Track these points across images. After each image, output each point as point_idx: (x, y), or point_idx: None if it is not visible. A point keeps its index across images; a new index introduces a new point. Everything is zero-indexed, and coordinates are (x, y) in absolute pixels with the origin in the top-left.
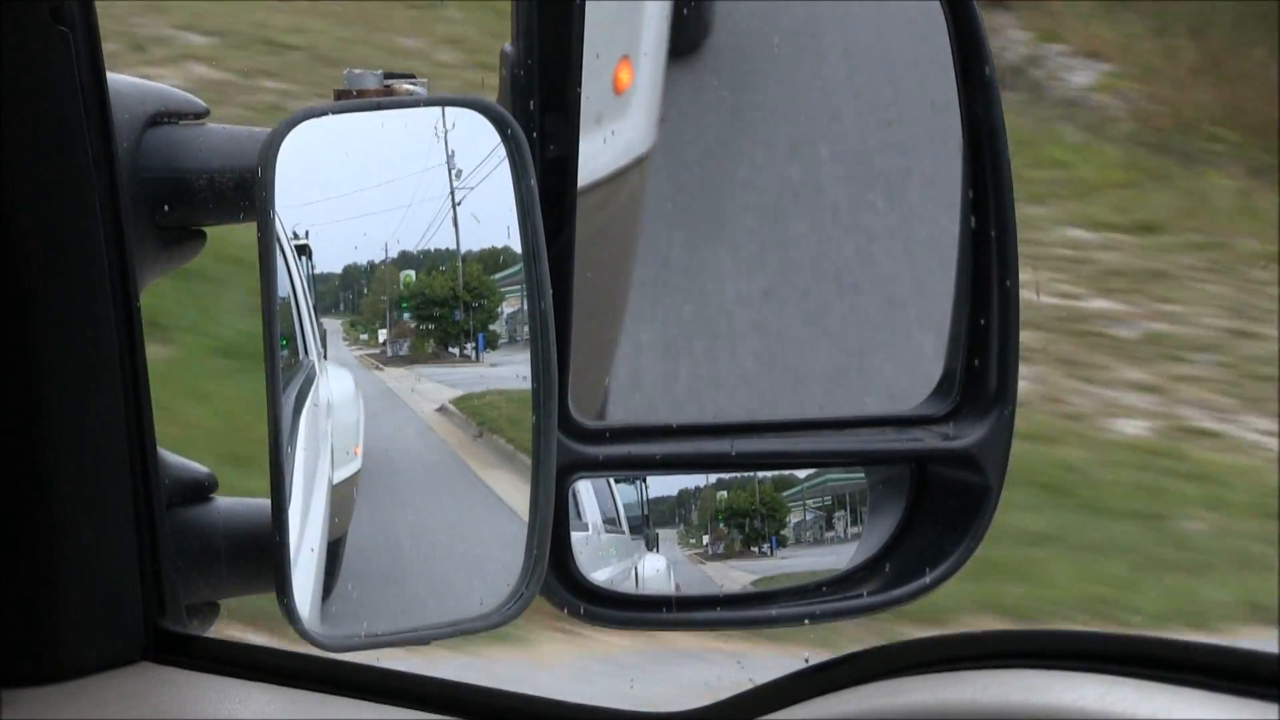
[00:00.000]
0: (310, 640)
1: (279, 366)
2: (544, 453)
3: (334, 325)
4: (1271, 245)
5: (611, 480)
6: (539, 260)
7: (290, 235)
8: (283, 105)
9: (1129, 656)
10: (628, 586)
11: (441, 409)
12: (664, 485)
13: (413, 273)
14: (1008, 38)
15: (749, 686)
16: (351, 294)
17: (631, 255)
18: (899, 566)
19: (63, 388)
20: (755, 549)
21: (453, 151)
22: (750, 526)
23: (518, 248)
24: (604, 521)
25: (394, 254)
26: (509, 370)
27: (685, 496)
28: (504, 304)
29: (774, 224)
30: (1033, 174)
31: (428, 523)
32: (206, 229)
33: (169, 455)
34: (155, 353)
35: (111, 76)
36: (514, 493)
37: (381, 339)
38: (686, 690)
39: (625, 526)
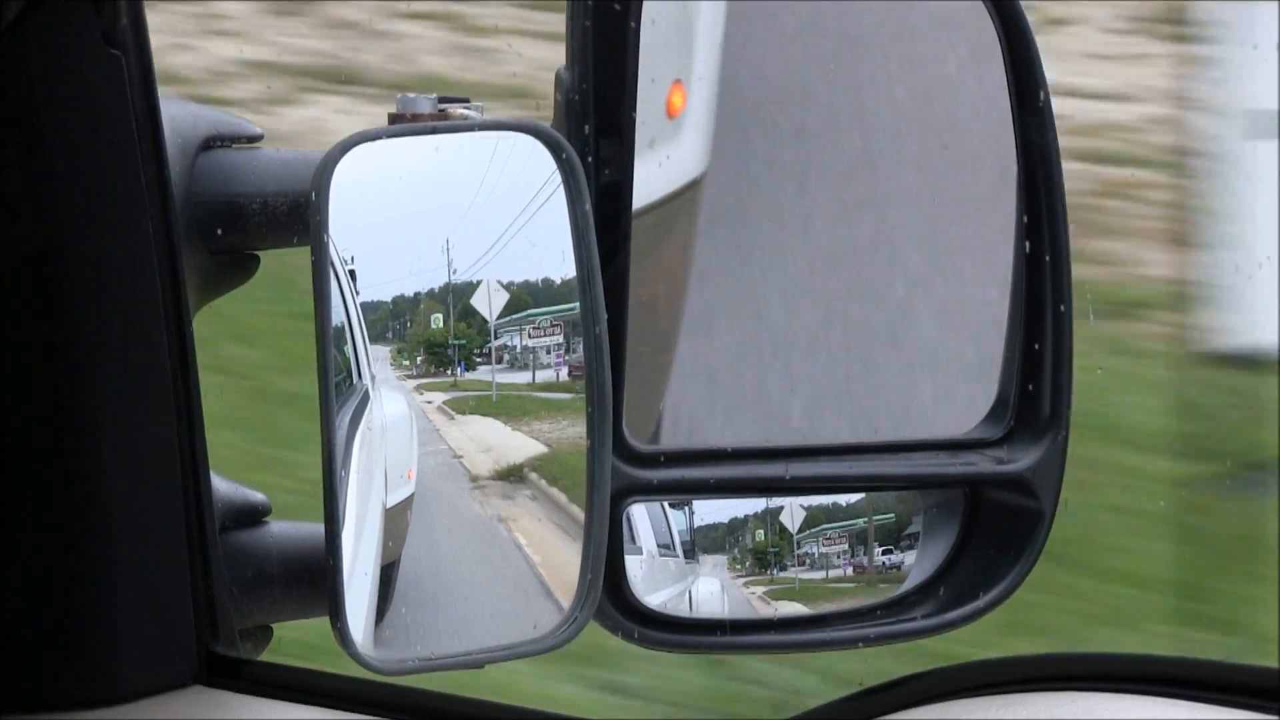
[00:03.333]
0: (363, 664)
1: (333, 390)
2: (598, 477)
3: (383, 352)
4: None
5: (666, 504)
6: (594, 285)
7: (344, 260)
8: None
9: (1183, 679)
10: (682, 610)
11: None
12: (718, 513)
13: (440, 316)
14: None
15: (803, 710)
16: (400, 324)
17: (686, 279)
18: (953, 590)
19: (115, 412)
20: (766, 573)
21: (446, 246)
22: (764, 559)
23: (571, 273)
24: (658, 545)
25: (441, 283)
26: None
27: (735, 525)
28: (514, 337)
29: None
30: None
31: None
32: (260, 253)
33: (222, 479)
34: None
35: (164, 100)
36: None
37: (418, 363)
38: None
39: (679, 550)
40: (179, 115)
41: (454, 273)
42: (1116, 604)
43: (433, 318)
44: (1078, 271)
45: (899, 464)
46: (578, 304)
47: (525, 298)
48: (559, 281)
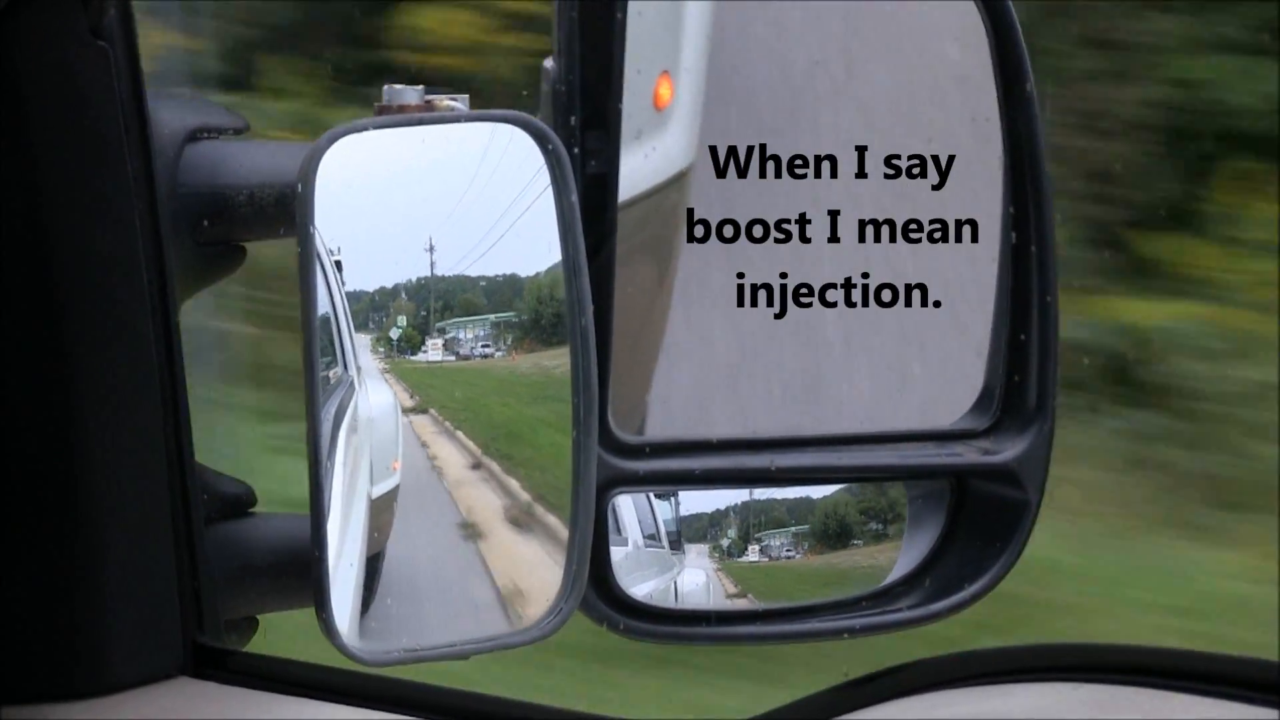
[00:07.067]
0: (348, 655)
1: (318, 381)
2: (583, 468)
3: (366, 341)
4: None
5: (651, 495)
6: (580, 276)
7: (329, 251)
8: None
9: (1178, 671)
10: (668, 601)
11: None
12: (703, 503)
13: (405, 318)
14: None
15: (789, 701)
16: (380, 315)
17: (671, 270)
18: (938, 581)
19: (102, 403)
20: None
21: (429, 240)
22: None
23: (544, 266)
24: (644, 536)
25: (422, 275)
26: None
27: (717, 517)
28: (460, 331)
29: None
30: None
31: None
32: (247, 245)
33: (208, 470)
34: None
35: (151, 92)
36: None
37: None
38: None
39: (665, 541)
40: (166, 107)
41: (434, 266)
42: None
43: (399, 318)
44: None
45: (885, 454)
46: (512, 313)
47: (478, 301)
48: (524, 276)
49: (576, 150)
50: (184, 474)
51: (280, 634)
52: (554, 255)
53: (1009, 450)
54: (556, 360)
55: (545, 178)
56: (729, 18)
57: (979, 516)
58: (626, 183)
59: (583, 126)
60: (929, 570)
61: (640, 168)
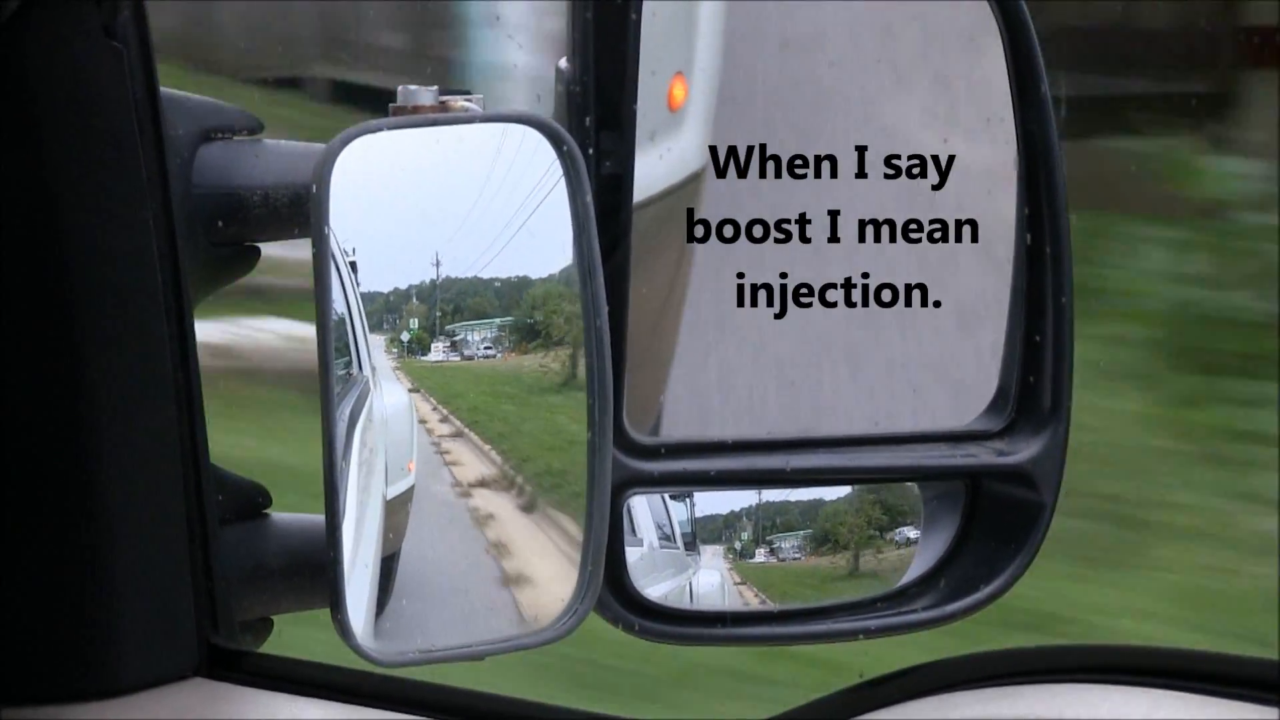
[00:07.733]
0: (364, 656)
1: (333, 382)
2: (599, 469)
3: (377, 340)
4: None
5: (666, 496)
6: (594, 277)
7: (344, 251)
8: None
9: (1183, 671)
10: (683, 602)
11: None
12: (718, 504)
13: (417, 320)
14: None
15: (803, 703)
16: (394, 316)
17: (685, 271)
18: (953, 582)
19: (116, 404)
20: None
21: (442, 243)
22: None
23: (558, 267)
24: (659, 537)
25: (440, 277)
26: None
27: (731, 519)
28: (469, 334)
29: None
30: None
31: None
32: (261, 245)
33: (222, 470)
34: None
35: (165, 92)
36: None
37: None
38: None
39: (680, 542)
40: (180, 107)
41: (441, 271)
42: None
43: (411, 321)
44: None
45: (900, 455)
46: (512, 318)
47: (486, 305)
48: (537, 278)
49: (591, 151)
50: (198, 474)
51: (294, 635)
52: (568, 257)
53: (1023, 451)
54: (535, 362)
55: (559, 178)
56: (742, 19)
57: (994, 518)
58: (641, 184)
59: (597, 127)
60: (944, 571)
61: (655, 169)
